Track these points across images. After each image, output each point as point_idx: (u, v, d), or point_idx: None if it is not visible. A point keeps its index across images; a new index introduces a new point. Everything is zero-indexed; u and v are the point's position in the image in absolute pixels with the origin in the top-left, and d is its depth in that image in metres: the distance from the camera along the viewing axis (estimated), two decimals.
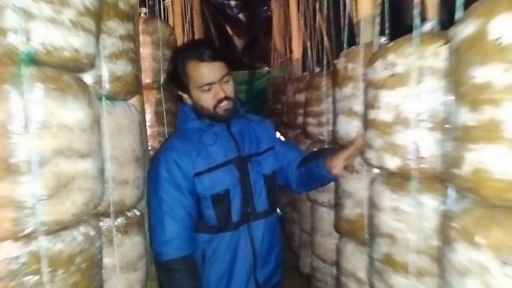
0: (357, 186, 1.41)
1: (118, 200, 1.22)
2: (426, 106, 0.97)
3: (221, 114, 1.28)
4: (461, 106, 0.74)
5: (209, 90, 1.24)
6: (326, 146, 1.83)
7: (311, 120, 2.10)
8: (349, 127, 1.41)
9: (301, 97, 2.52)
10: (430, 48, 0.95)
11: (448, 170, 0.81)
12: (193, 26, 4.71)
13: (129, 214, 1.27)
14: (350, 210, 1.44)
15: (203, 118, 1.31)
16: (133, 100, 1.64)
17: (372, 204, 1.18)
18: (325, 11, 2.50)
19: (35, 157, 0.79)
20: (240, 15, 5.40)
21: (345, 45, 1.55)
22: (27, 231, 0.81)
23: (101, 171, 1.00)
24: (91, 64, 0.97)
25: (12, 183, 0.78)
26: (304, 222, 2.61)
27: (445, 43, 0.91)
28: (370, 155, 1.15)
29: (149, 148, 1.98)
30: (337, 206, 1.54)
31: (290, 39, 4.13)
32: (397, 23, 1.43)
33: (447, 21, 1.05)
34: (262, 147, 1.41)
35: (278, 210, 1.57)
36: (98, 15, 0.97)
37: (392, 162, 1.06)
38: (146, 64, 1.95)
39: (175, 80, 1.31)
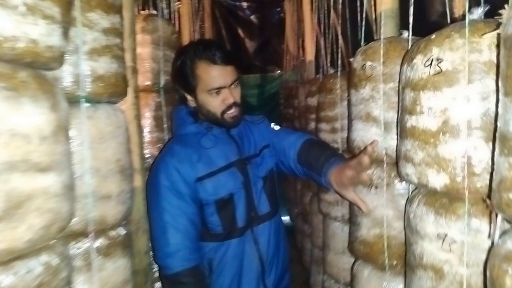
0: (375, 203, 1.22)
1: (98, 218, 1.06)
2: (481, 110, 0.79)
3: (228, 121, 1.23)
4: None
5: (218, 94, 1.19)
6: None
7: (324, 126, 1.92)
8: (367, 135, 1.22)
9: (313, 101, 2.34)
10: (485, 40, 0.77)
11: (500, 194, 0.62)
12: (203, 29, 4.60)
13: (112, 233, 1.11)
14: (368, 231, 1.25)
15: (201, 121, 1.27)
16: (127, 103, 1.51)
17: (410, 229, 0.98)
18: (339, 9, 2.33)
19: None
20: (252, 17, 5.26)
21: (362, 42, 1.37)
22: None
23: (69, 187, 0.84)
24: (58, 59, 0.81)
25: None
26: (316, 237, 2.41)
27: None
28: (409, 170, 0.96)
29: (147, 155, 1.83)
30: (351, 224, 1.35)
31: (304, 41, 3.97)
32: (417, 18, 1.24)
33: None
34: (259, 147, 1.36)
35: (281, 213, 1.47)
36: (66, 1, 0.82)
37: (438, 180, 0.87)
38: (146, 65, 1.81)
39: (181, 80, 1.25)
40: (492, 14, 0.84)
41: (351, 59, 1.31)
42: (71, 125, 1.00)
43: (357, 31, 2.18)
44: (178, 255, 1.18)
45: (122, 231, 1.15)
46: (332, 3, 2.30)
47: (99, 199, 1.06)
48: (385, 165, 1.18)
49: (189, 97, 1.26)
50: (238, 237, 1.27)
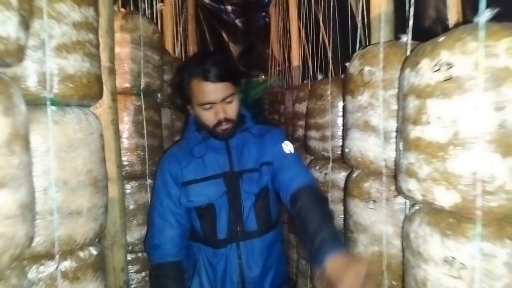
0: (373, 218, 1.13)
1: (66, 237, 0.93)
2: (497, 122, 0.71)
3: (219, 134, 1.26)
4: None
5: (210, 108, 1.21)
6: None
7: (313, 133, 1.83)
8: (365, 145, 1.14)
9: (301, 107, 2.25)
10: (502, 43, 0.69)
11: None
12: (186, 31, 4.47)
13: (81, 254, 0.98)
14: (365, 248, 1.16)
15: (202, 130, 1.31)
16: (103, 106, 1.38)
17: (411, 251, 0.89)
18: (326, 15, 2.27)
19: None
20: (237, 21, 5.16)
21: (357, 46, 1.29)
22: None
23: (27, 205, 0.71)
24: (14, 54, 0.68)
25: None
26: (303, 248, 2.31)
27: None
28: (412, 186, 0.87)
29: (125, 163, 1.70)
30: (346, 240, 1.26)
31: (289, 46, 3.91)
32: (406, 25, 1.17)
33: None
34: (259, 162, 1.31)
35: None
36: None
37: (447, 198, 0.78)
38: (125, 65, 1.68)
39: (180, 92, 1.28)
40: (498, 17, 0.78)
41: (347, 64, 1.23)
42: (35, 131, 0.87)
43: (345, 36, 2.12)
44: (160, 248, 1.26)
45: (93, 251, 1.02)
46: (319, 9, 2.23)
47: (66, 215, 0.93)
48: (384, 178, 1.10)
49: (188, 107, 1.30)
50: (219, 248, 1.27)
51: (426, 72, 0.82)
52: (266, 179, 1.30)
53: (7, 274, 0.67)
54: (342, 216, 1.72)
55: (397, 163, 0.97)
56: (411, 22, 1.03)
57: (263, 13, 5.14)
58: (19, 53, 0.70)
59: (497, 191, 0.73)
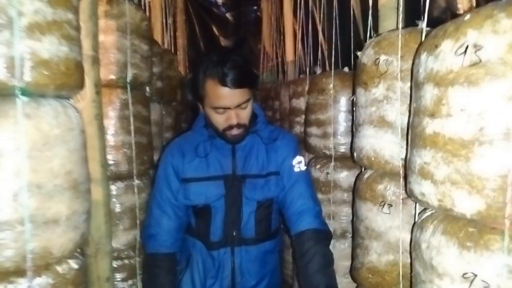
0: (389, 224, 1.02)
1: (40, 250, 0.80)
2: None
3: (228, 138, 1.20)
4: None
5: (222, 113, 1.15)
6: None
7: (314, 130, 1.72)
8: (380, 143, 1.03)
9: (299, 103, 2.14)
10: None
11: None
12: (175, 24, 4.32)
13: (59, 269, 0.85)
14: (378, 257, 1.05)
15: (209, 127, 1.25)
16: (86, 100, 1.24)
17: (422, 263, 0.78)
18: (323, 6, 2.16)
19: None
20: (228, 15, 5.02)
21: (368, 34, 1.18)
22: None
23: None
24: None
25: None
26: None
27: None
28: (426, 189, 0.76)
29: (111, 162, 1.56)
30: (356, 247, 1.15)
31: (282, 41, 3.79)
32: (418, 14, 1.07)
33: None
34: (266, 169, 1.24)
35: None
36: None
37: (469, 204, 0.67)
38: (110, 55, 1.53)
39: (193, 89, 1.21)
40: None
41: (359, 53, 1.11)
42: (2, 126, 0.74)
43: (345, 28, 2.01)
44: (156, 238, 1.25)
45: (73, 264, 0.88)
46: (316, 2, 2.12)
47: (41, 225, 0.80)
48: (401, 180, 0.99)
49: (200, 106, 1.24)
50: (212, 250, 1.24)
51: (448, 56, 0.70)
52: (273, 190, 1.23)
53: None
54: (344, 218, 1.62)
55: (408, 161, 0.86)
56: (427, 3, 0.93)
57: (255, 7, 5.01)
58: None
59: None
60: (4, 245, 0.74)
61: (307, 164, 1.84)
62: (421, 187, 0.77)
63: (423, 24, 0.95)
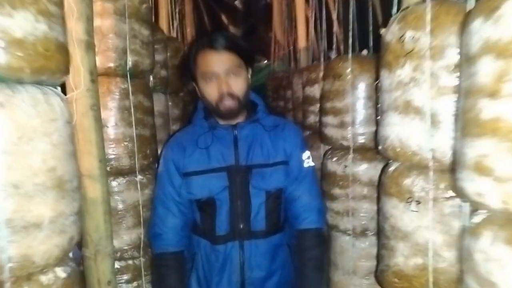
0: (417, 223, 0.89)
1: (19, 259, 0.70)
2: None
3: (222, 112, 1.16)
4: None
5: (212, 82, 1.14)
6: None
7: (330, 119, 1.58)
8: (406, 131, 0.89)
9: (313, 91, 2.00)
10: None
11: None
12: (183, 13, 4.20)
13: (43, 279, 0.75)
14: (405, 259, 0.92)
15: (209, 118, 1.23)
16: (81, 89, 1.14)
17: (480, 278, 0.65)
18: None
19: None
20: (237, 2, 4.86)
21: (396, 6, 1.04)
22: None
23: None
24: None
25: None
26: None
27: None
28: (484, 187, 0.62)
29: (112, 156, 1.46)
30: (381, 247, 1.03)
31: (293, 28, 3.63)
32: None
33: None
34: (273, 158, 1.21)
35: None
36: None
37: None
38: (107, 41, 1.43)
39: (186, 69, 1.22)
40: None
41: (383, 31, 0.97)
42: None
43: (360, 9, 1.86)
44: (162, 238, 1.22)
45: (61, 273, 0.78)
46: None
47: (20, 230, 0.69)
48: (431, 173, 0.86)
49: (196, 88, 1.23)
50: (218, 244, 1.20)
51: None
52: (283, 180, 1.20)
53: None
54: (364, 215, 1.50)
55: (456, 154, 0.72)
56: None
57: None
58: None
59: None
60: None
61: (323, 157, 1.72)
62: (477, 185, 0.64)
63: None
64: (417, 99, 0.87)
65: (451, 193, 0.84)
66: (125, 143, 1.48)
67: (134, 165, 1.50)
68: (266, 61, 5.01)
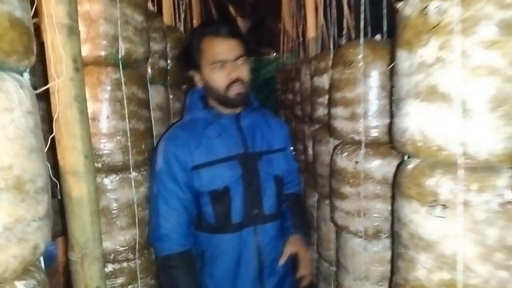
0: (443, 231, 0.75)
1: None
2: None
3: (231, 98, 1.18)
4: None
5: (221, 68, 1.17)
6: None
7: (340, 111, 1.44)
8: (431, 121, 0.75)
9: (322, 81, 1.86)
10: None
11: None
12: (190, 5, 4.08)
13: None
14: (428, 273, 0.79)
15: (210, 108, 1.24)
16: (63, 78, 1.04)
17: None
18: None
19: None
20: None
21: None
22: None
23: None
24: None
25: None
26: (325, 249, 1.96)
27: None
28: None
29: (105, 151, 1.36)
30: (398, 257, 0.89)
31: (303, 17, 3.49)
32: None
33: None
34: (275, 145, 1.32)
35: None
36: None
37: None
38: (98, 27, 1.32)
39: (187, 57, 1.23)
40: None
41: (400, 4, 0.83)
42: None
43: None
44: (168, 238, 1.19)
45: (22, 287, 0.67)
46: None
47: None
48: (461, 172, 0.72)
49: (196, 77, 1.24)
50: (232, 233, 1.22)
51: None
52: (283, 165, 1.32)
53: None
54: (377, 216, 1.37)
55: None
56: None
57: None
58: None
59: None
60: None
61: (332, 152, 1.59)
62: None
63: None
64: (444, 83, 0.73)
65: (485, 195, 0.70)
66: (118, 137, 1.37)
67: (128, 161, 1.39)
68: (275, 54, 4.86)
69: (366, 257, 1.41)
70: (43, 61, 1.09)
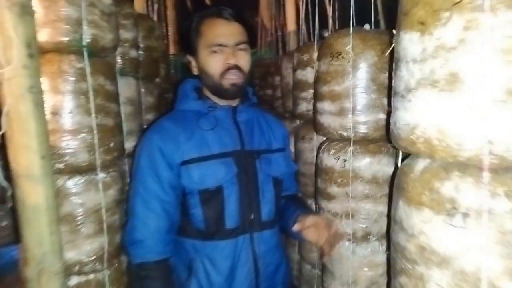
0: (464, 243, 0.66)
1: None
2: None
3: (225, 88, 1.09)
4: None
5: (219, 53, 1.07)
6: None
7: (326, 106, 1.35)
8: (449, 116, 0.65)
9: (305, 74, 1.76)
10: None
11: None
12: None
13: None
14: None
15: (205, 99, 1.14)
16: (13, 65, 0.89)
17: None
18: None
19: None
20: None
21: None
22: None
23: None
24: None
25: None
26: (308, 251, 1.87)
27: None
28: None
29: (68, 150, 1.21)
30: (401, 274, 0.80)
31: (281, 12, 3.40)
32: None
33: None
34: (275, 144, 1.21)
35: None
36: None
37: None
38: (59, 9, 1.16)
39: (185, 40, 1.15)
40: None
41: None
42: None
43: None
44: (143, 244, 1.06)
45: None
46: None
47: None
48: (487, 175, 0.63)
49: (193, 62, 1.15)
50: (227, 240, 1.09)
51: None
52: (283, 167, 1.20)
53: None
54: (366, 217, 1.29)
55: None
56: None
57: None
58: None
59: None
60: None
61: (318, 150, 1.50)
62: None
63: None
64: (468, 70, 0.63)
65: None
66: (83, 134, 1.22)
67: (94, 161, 1.25)
68: (252, 49, 4.75)
69: (354, 262, 1.34)
70: None
